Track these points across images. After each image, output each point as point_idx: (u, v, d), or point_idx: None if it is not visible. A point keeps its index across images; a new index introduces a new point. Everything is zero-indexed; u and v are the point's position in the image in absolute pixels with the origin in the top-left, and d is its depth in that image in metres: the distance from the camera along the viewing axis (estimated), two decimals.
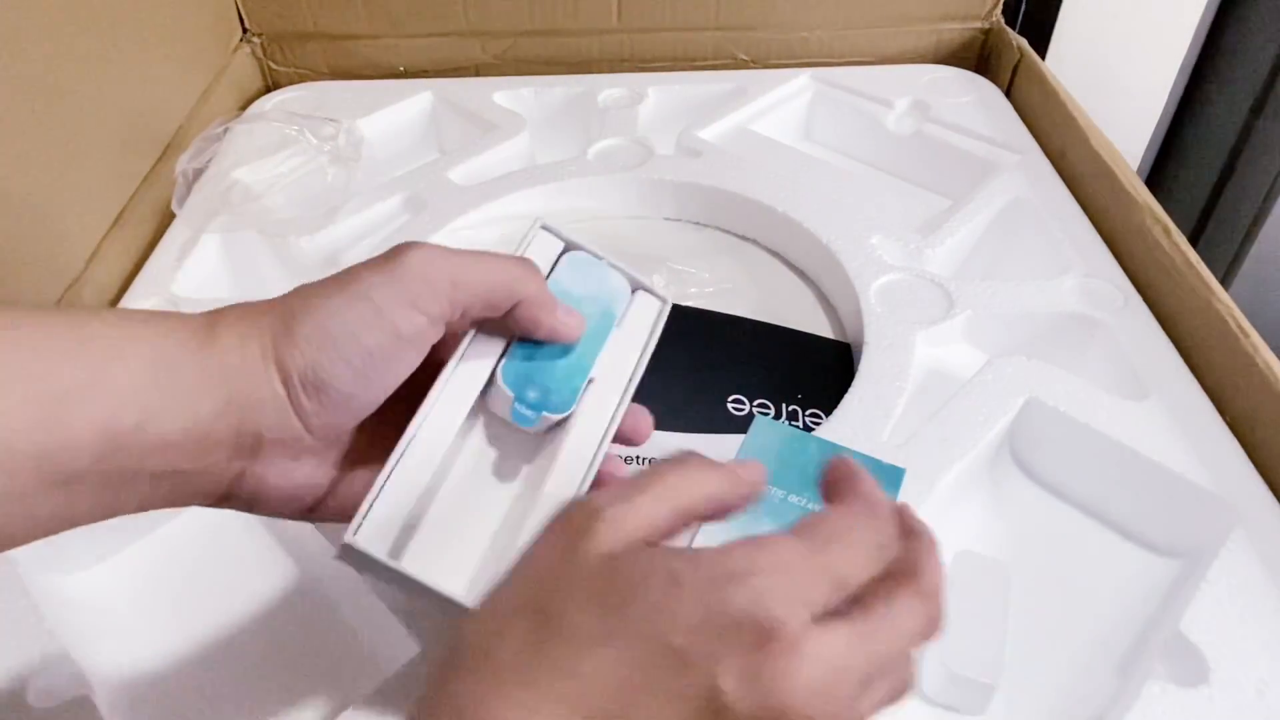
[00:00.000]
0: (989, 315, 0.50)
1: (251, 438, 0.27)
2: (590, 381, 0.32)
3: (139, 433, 0.24)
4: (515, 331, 0.31)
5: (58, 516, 0.25)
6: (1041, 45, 0.83)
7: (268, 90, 0.78)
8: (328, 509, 0.30)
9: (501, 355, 0.31)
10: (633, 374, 0.33)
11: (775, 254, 0.61)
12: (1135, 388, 0.46)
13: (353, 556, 0.27)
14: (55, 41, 0.52)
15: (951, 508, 0.42)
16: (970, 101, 0.71)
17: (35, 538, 0.25)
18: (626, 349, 0.33)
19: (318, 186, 0.60)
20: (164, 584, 0.42)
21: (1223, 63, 0.84)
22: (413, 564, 0.27)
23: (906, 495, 0.39)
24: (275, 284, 0.58)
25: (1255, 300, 0.87)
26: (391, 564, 0.27)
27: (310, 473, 0.29)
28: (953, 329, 0.50)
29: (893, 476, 0.40)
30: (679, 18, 0.75)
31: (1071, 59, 0.83)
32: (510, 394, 0.30)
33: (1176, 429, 0.43)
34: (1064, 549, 0.43)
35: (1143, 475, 0.42)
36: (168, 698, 0.38)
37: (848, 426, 0.43)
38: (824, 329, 0.54)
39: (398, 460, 0.28)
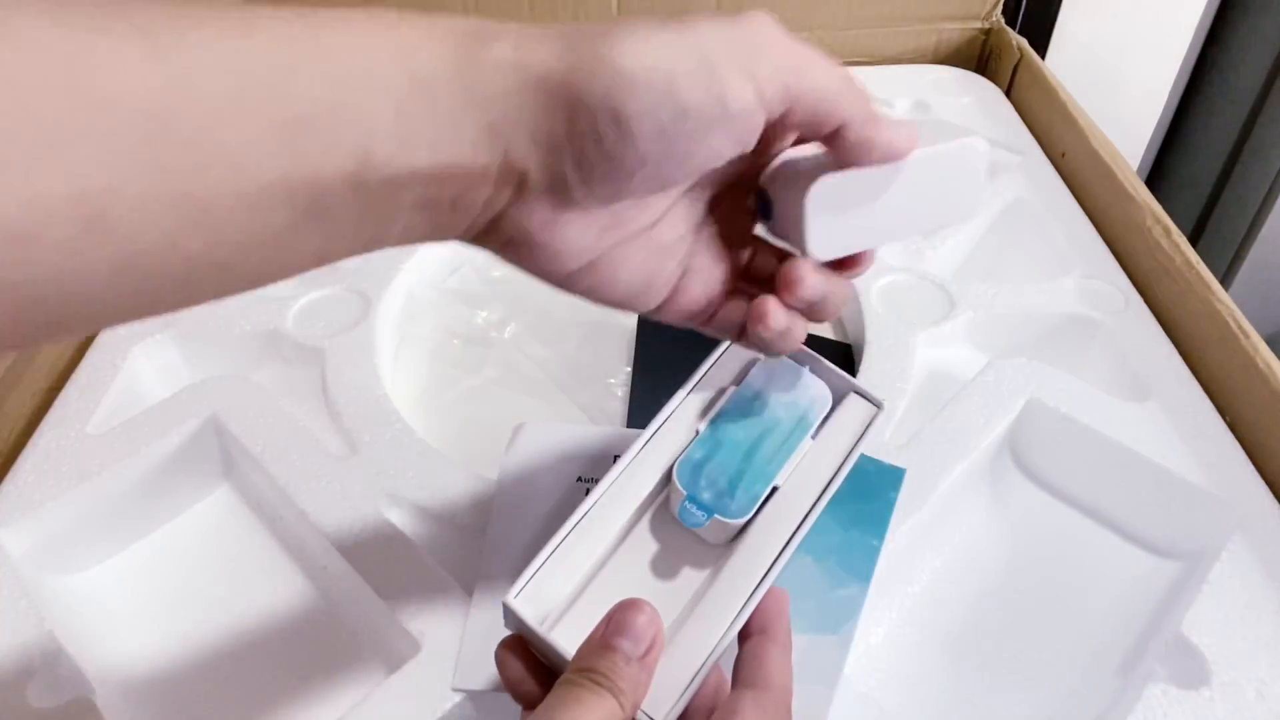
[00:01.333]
0: (990, 316, 0.50)
1: (516, 175, 0.23)
2: (774, 491, 0.30)
3: (390, 164, 0.21)
4: (839, 159, 0.25)
5: (316, 251, 0.22)
6: (1041, 45, 0.83)
7: None
8: (584, 281, 0.27)
9: (686, 446, 0.30)
10: (823, 491, 0.30)
11: None
12: (1136, 389, 0.46)
13: (509, 615, 0.27)
14: None
15: (952, 509, 0.42)
16: (970, 101, 0.71)
17: (296, 272, 0.23)
18: (820, 462, 0.31)
19: None
20: (164, 584, 0.42)
21: (1223, 63, 0.84)
22: (562, 638, 0.27)
23: (907, 496, 0.39)
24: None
25: (1255, 300, 0.87)
26: (541, 633, 0.27)
27: (577, 235, 0.25)
28: (954, 330, 0.50)
29: (893, 477, 0.40)
30: (679, 18, 0.75)
31: (1071, 59, 0.83)
32: (682, 491, 0.29)
33: (1177, 430, 0.43)
34: (1065, 550, 0.43)
35: (1143, 477, 0.42)
36: (168, 697, 0.38)
37: None
38: (825, 330, 0.54)
39: (569, 532, 0.28)
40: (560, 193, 0.24)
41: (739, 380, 0.32)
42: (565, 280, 0.26)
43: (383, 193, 0.22)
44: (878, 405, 0.32)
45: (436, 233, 0.24)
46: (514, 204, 0.24)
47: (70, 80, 0.17)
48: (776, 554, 0.28)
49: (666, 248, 0.27)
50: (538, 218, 0.24)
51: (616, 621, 0.25)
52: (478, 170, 0.23)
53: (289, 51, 0.20)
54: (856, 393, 0.32)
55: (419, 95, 0.21)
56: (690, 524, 0.29)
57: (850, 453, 0.31)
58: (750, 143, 0.24)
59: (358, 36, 0.21)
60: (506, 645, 0.27)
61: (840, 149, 0.25)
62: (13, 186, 0.17)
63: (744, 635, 0.27)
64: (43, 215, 0.17)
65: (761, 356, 0.32)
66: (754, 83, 0.23)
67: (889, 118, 0.25)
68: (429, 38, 0.22)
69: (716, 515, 0.28)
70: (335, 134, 0.20)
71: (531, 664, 0.27)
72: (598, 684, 0.24)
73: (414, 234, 0.24)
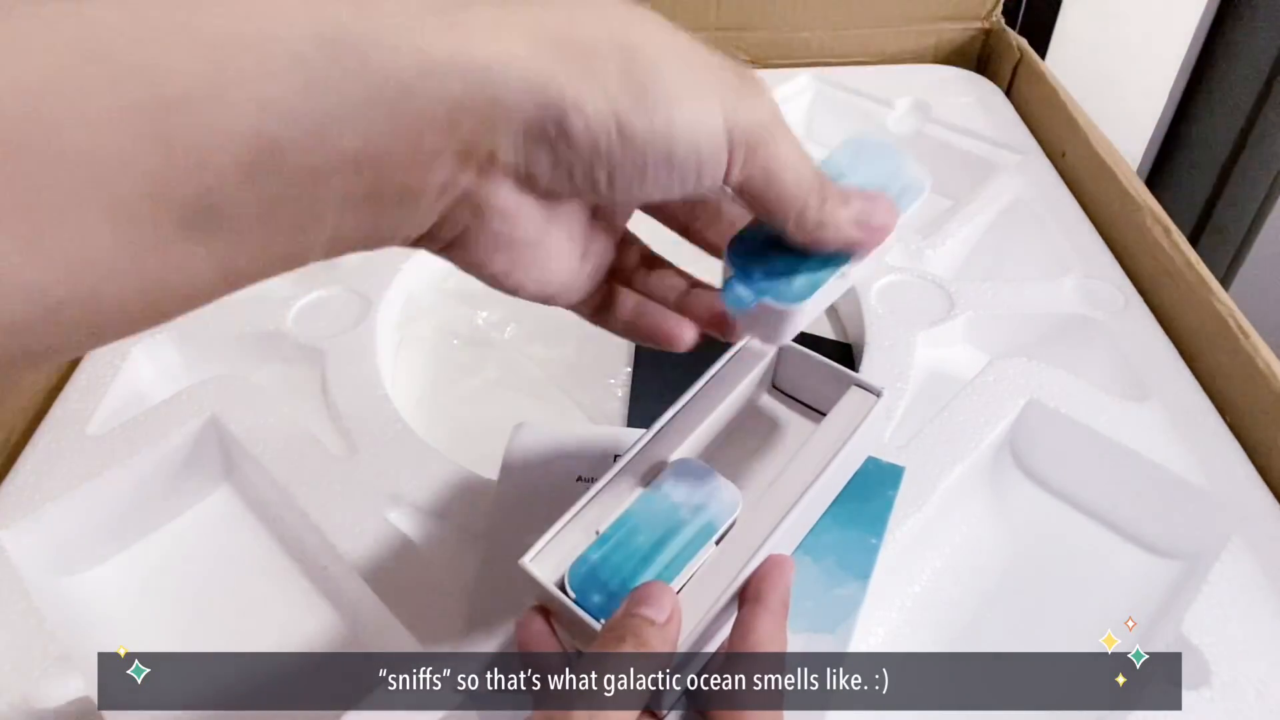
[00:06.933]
0: (989, 316, 0.50)
1: (485, 154, 0.19)
2: (842, 277, 0.26)
3: (301, 149, 0.17)
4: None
5: (215, 272, 0.17)
6: (1041, 45, 0.83)
7: None
8: (520, 274, 0.24)
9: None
10: (820, 474, 0.30)
11: None
12: (1135, 389, 0.46)
13: (524, 577, 0.29)
14: None
15: (952, 509, 0.42)
16: (970, 101, 0.71)
17: (197, 304, 0.18)
18: (819, 449, 0.31)
19: None
20: (164, 585, 0.42)
21: (1223, 63, 0.84)
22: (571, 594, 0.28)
23: (907, 497, 0.39)
24: (275, 283, 0.58)
25: (1255, 300, 0.87)
26: (552, 590, 0.28)
27: (530, 229, 0.23)
28: (953, 330, 0.50)
29: (892, 475, 0.40)
30: (678, 18, 0.75)
31: (1071, 59, 0.83)
32: (732, 270, 0.26)
33: (1177, 430, 0.43)
34: (1064, 550, 0.43)
35: (1143, 477, 0.42)
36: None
37: None
38: (825, 329, 0.54)
39: (586, 502, 0.30)
40: (528, 181, 0.21)
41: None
42: (502, 275, 0.24)
43: (295, 188, 0.17)
44: (877, 394, 0.33)
45: (376, 235, 0.20)
46: (479, 185, 0.20)
47: None
48: (769, 528, 0.29)
49: (575, 238, 0.25)
50: (501, 202, 0.21)
51: (637, 594, 0.25)
52: (430, 148, 0.18)
53: (147, 15, 0.15)
54: (856, 385, 0.33)
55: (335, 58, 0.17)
56: (736, 305, 0.26)
57: (849, 439, 0.31)
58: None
59: None
60: (533, 610, 0.28)
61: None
62: None
63: (741, 603, 0.28)
64: None
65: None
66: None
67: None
68: None
69: (767, 299, 0.26)
70: (219, 117, 0.16)
71: (553, 631, 0.28)
72: (630, 642, 0.24)
73: (346, 240, 0.19)
